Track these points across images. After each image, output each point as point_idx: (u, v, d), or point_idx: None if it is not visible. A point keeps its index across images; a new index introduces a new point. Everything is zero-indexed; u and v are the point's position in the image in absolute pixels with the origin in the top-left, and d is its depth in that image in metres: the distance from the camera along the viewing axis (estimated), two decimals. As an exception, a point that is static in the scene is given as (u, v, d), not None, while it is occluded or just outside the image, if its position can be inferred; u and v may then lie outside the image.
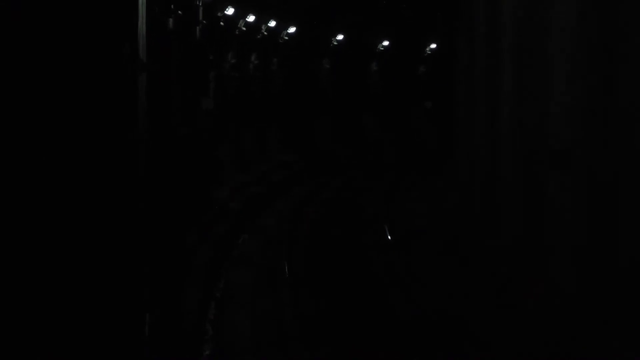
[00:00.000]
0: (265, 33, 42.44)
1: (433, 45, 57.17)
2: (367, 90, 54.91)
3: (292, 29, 45.49)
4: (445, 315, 17.79)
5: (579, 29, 15.16)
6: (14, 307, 11.92)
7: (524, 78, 18.61)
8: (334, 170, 45.41)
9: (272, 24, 42.68)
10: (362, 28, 52.80)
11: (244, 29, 39.28)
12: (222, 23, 35.10)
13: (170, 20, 24.07)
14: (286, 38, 45.50)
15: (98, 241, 12.20)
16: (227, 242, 25.36)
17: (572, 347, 14.57)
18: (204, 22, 29.20)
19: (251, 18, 39.23)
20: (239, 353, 16.12)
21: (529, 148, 17.97)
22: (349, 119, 53.40)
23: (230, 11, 35.52)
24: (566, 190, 15.60)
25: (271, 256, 23.94)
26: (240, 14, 38.01)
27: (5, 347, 11.82)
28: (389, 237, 26.31)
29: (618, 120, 13.68)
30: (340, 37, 50.96)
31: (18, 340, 11.88)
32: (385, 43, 55.13)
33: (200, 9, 28.76)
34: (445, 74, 42.46)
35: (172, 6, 24.09)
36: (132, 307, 12.54)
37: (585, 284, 14.63)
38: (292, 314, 18.13)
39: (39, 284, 12.02)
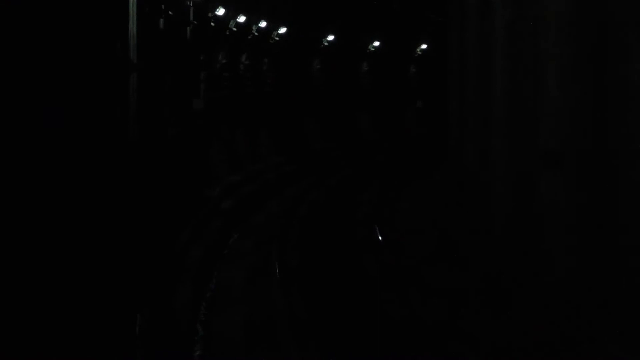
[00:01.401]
0: (256, 33, 42.40)
1: (424, 46, 57.24)
2: (359, 90, 54.92)
3: (282, 30, 45.45)
4: (440, 316, 17.76)
5: (571, 29, 15.15)
6: (6, 306, 11.87)
7: (515, 78, 18.60)
8: (327, 169, 45.38)
9: (263, 24, 42.65)
10: (353, 28, 52.80)
11: (235, 29, 39.24)
12: (212, 23, 35.07)
13: (161, 20, 24.03)
14: (277, 38, 45.46)
15: (89, 240, 12.15)
16: (218, 242, 25.31)
17: (568, 349, 14.54)
18: (195, 22, 29.17)
19: (242, 18, 39.19)
20: (229, 351, 16.09)
21: (521, 148, 17.96)
22: (342, 118, 53.40)
23: (220, 12, 35.48)
24: (558, 190, 15.58)
25: (262, 255, 23.89)
26: (231, 14, 37.98)
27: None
28: (380, 238, 26.26)
29: (609, 120, 13.66)
30: (331, 37, 50.93)
31: (9, 339, 11.82)
32: (377, 43, 55.13)
33: (191, 10, 28.73)
34: (438, 73, 42.49)
35: (163, 6, 24.06)
36: (123, 307, 12.49)
37: (580, 285, 14.60)
38: (283, 313, 18.07)
39: (31, 284, 11.97)
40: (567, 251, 15.11)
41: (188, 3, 28.41)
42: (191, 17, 28.73)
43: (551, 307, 15.59)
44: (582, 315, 14.33)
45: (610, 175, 13.62)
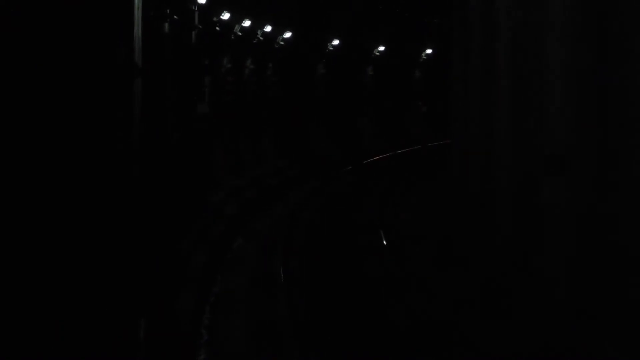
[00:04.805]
0: (261, 38, 42.45)
1: (429, 51, 57.27)
2: (363, 94, 54.93)
3: (287, 34, 45.49)
4: (439, 321, 17.77)
5: (574, 36, 15.17)
6: (12, 311, 11.90)
7: (519, 83, 18.61)
8: (330, 175, 45.35)
9: (268, 29, 42.69)
10: (358, 33, 52.84)
11: (240, 33, 39.29)
12: (217, 28, 35.10)
13: (166, 25, 24.09)
14: (282, 43, 45.50)
15: (93, 246, 12.18)
16: (221, 247, 25.32)
17: (566, 353, 14.56)
18: (200, 26, 29.22)
19: (247, 23, 39.23)
20: (234, 356, 16.11)
21: (524, 153, 17.97)
22: (345, 122, 53.40)
23: (226, 16, 35.52)
24: (561, 195, 15.60)
25: (266, 260, 23.90)
26: (236, 19, 38.02)
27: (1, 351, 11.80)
28: (384, 242, 26.27)
29: (613, 126, 13.68)
30: (336, 42, 50.98)
31: (15, 343, 11.85)
32: (382, 48, 55.17)
33: (196, 14, 28.78)
34: (441, 79, 42.52)
35: (168, 11, 24.11)
36: (127, 312, 12.52)
37: (580, 289, 14.61)
38: (287, 318, 18.09)
39: (36, 290, 12.00)
40: (567, 254, 15.14)
41: (193, 7, 28.46)
42: (196, 22, 28.78)
43: (549, 311, 15.61)
44: (580, 319, 14.35)
45: (611, 180, 13.66)
